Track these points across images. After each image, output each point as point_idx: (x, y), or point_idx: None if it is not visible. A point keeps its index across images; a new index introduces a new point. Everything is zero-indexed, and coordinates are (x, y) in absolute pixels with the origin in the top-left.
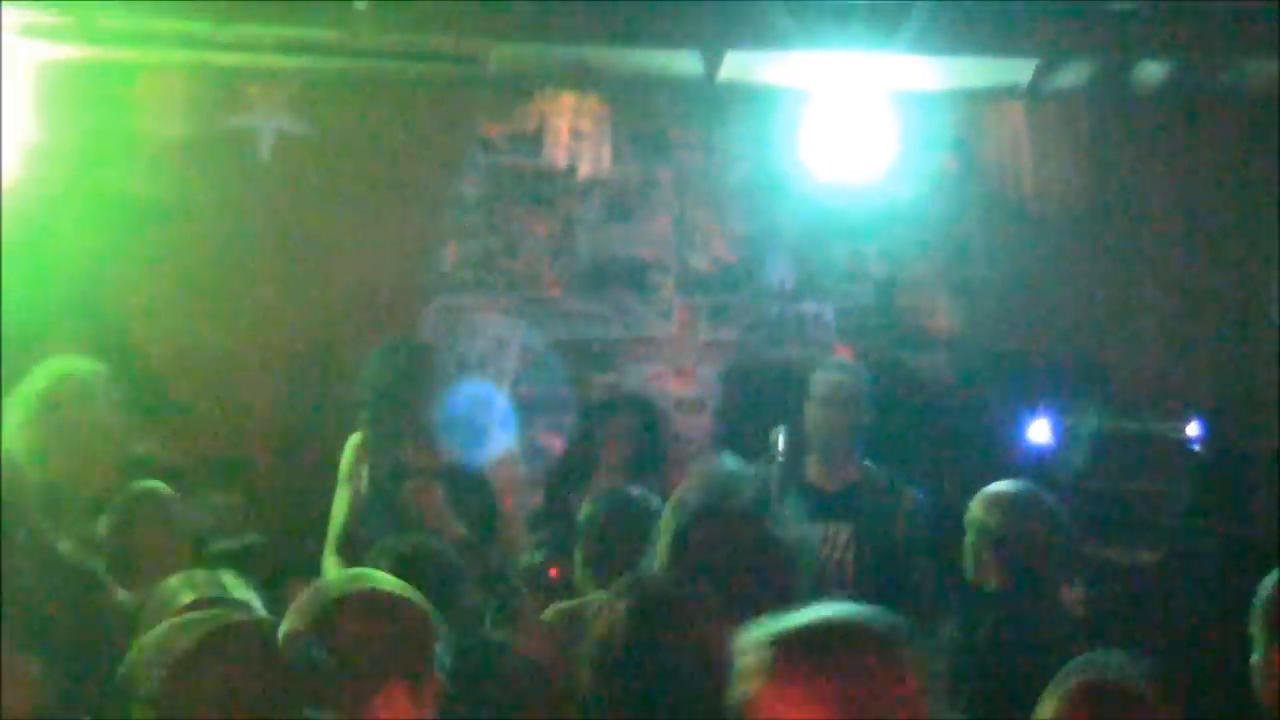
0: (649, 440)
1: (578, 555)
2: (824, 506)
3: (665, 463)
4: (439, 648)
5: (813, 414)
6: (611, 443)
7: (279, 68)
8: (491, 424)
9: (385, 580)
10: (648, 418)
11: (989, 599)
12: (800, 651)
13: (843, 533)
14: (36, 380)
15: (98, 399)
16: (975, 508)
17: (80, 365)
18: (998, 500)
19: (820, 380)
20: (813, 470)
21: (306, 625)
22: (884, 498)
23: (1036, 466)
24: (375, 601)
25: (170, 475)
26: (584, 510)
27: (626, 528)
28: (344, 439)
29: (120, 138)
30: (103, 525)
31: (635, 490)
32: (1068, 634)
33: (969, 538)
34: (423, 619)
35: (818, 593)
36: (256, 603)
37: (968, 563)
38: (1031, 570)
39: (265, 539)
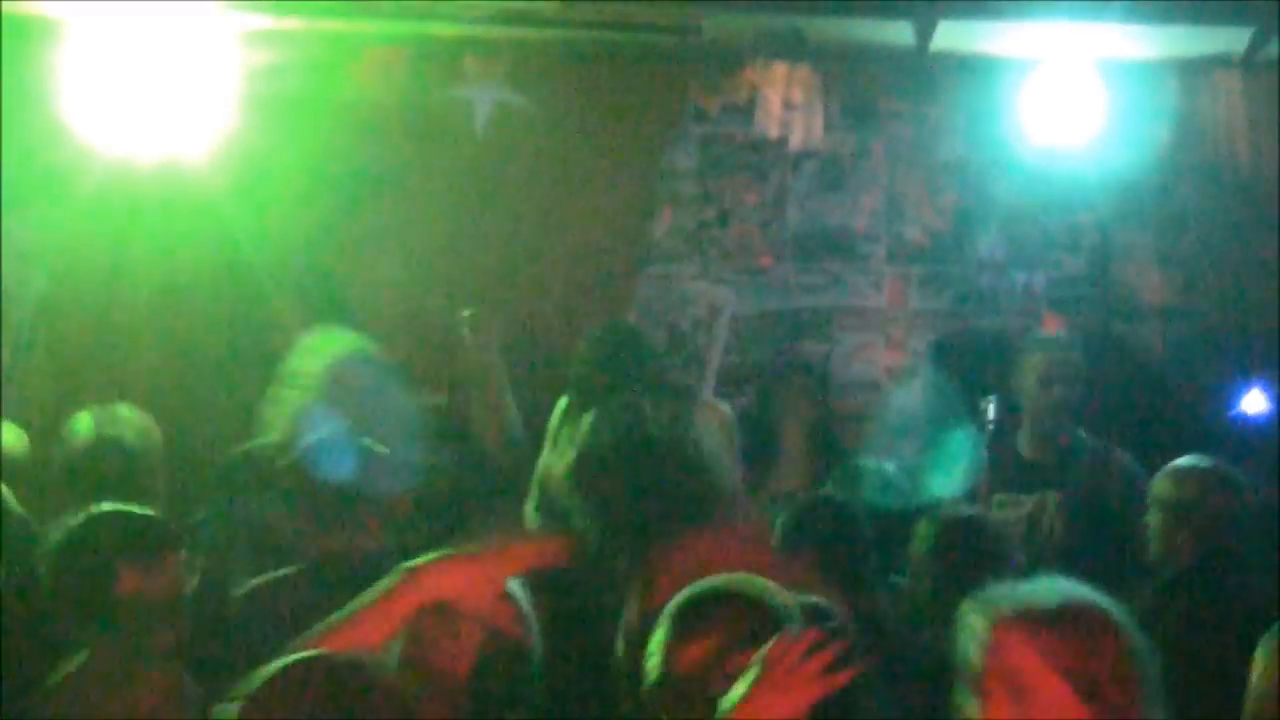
0: (822, 414)
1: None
2: (1035, 478)
3: (837, 437)
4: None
5: (1027, 389)
6: (788, 418)
7: (496, 39)
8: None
9: None
10: (819, 392)
11: (1179, 575)
12: (1037, 617)
13: (1051, 500)
14: (315, 353)
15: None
16: (1161, 483)
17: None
18: (1184, 474)
19: (1035, 355)
20: (1025, 442)
21: None
22: (1094, 464)
23: (1250, 437)
24: None
25: None
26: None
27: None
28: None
29: (339, 109)
30: None
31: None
32: (1262, 607)
33: (1153, 513)
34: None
35: (1027, 561)
36: None
37: (1153, 538)
38: (1221, 545)
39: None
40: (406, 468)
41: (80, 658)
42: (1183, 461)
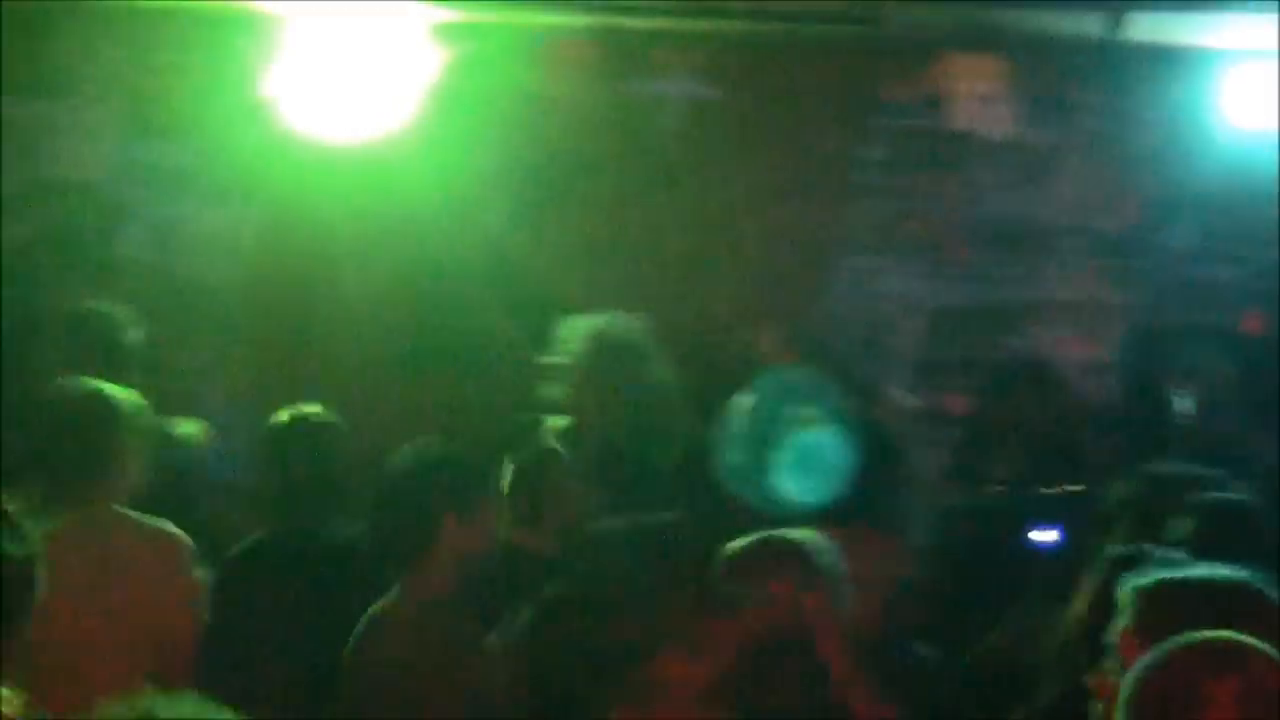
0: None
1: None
2: None
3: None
4: None
5: None
6: (1005, 411)
7: (685, 31)
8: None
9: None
10: (1044, 385)
11: None
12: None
13: None
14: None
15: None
16: None
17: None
18: None
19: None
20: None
21: None
22: None
23: None
24: None
25: None
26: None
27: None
28: None
29: (529, 102)
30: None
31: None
32: None
33: None
34: None
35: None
36: None
37: None
38: None
39: None
40: None
41: (391, 597)
42: None
